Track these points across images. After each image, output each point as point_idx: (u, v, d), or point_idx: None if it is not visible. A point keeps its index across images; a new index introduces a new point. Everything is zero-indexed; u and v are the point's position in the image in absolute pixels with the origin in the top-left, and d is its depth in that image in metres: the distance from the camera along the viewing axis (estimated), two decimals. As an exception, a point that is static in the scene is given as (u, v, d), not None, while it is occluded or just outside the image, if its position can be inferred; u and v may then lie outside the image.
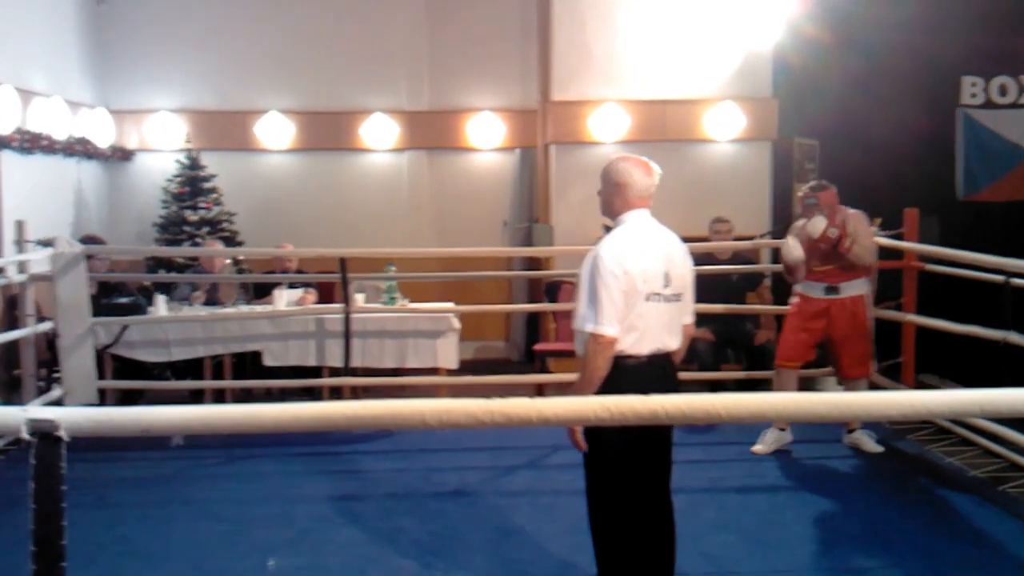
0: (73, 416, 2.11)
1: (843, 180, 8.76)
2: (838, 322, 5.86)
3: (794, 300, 6.03)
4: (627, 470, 3.48)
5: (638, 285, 3.39)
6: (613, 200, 3.61)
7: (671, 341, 3.56)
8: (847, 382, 6.03)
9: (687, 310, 3.68)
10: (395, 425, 2.25)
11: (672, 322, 3.55)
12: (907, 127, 8.48)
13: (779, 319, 7.61)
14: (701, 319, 7.13)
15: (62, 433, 2.07)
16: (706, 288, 7.04)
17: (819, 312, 5.90)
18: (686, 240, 7.81)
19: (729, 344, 7.35)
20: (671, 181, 8.53)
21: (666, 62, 8.53)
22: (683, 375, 6.68)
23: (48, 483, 2.06)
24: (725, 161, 8.66)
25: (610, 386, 3.27)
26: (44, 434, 2.06)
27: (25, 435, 2.06)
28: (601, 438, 3.45)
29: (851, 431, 6.06)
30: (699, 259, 7.14)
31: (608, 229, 3.60)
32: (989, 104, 9.20)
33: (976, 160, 9.24)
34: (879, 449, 5.92)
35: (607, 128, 8.54)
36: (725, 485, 5.43)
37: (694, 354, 7.06)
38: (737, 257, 7.27)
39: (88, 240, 7.34)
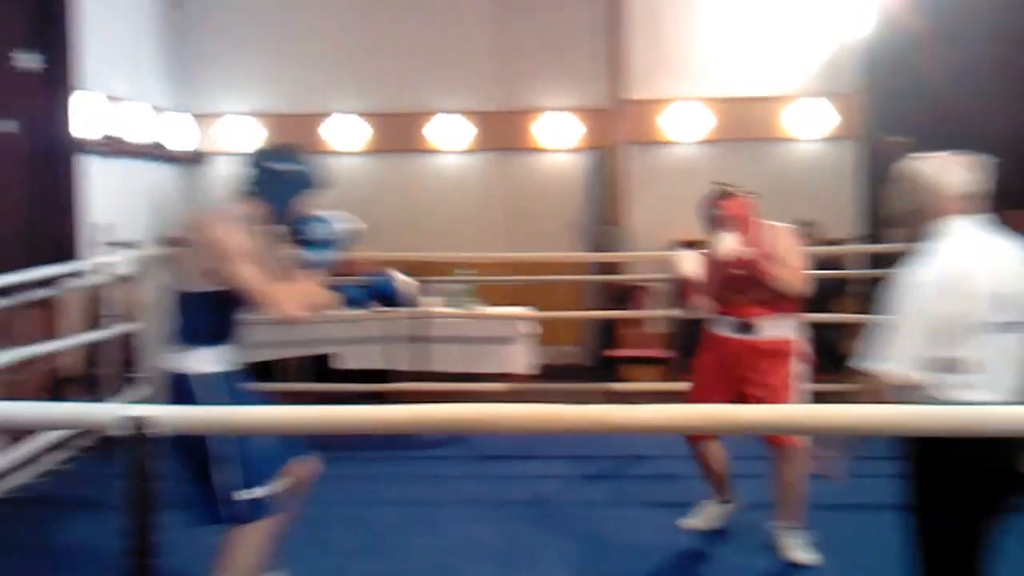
0: (166, 414, 2.14)
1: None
2: (754, 373, 4.31)
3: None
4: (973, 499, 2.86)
5: (963, 311, 2.76)
6: (925, 208, 2.96)
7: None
8: (775, 457, 4.37)
9: None
10: (487, 430, 2.21)
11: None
12: (1013, 123, 7.88)
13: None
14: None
15: (155, 431, 2.09)
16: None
17: (730, 357, 4.40)
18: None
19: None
20: (753, 182, 8.38)
21: (747, 57, 8.35)
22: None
23: (141, 480, 2.09)
24: (809, 161, 8.41)
25: (959, 446, 2.59)
26: (138, 431, 2.09)
27: (118, 431, 2.09)
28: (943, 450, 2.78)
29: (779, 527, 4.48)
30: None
31: (921, 241, 2.94)
32: (1109, 96, 8.61)
33: (1096, 159, 8.70)
34: (810, 559, 4.37)
35: (684, 127, 8.39)
36: (822, 502, 5.06)
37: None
38: (820, 262, 7.02)
39: (174, 242, 7.43)
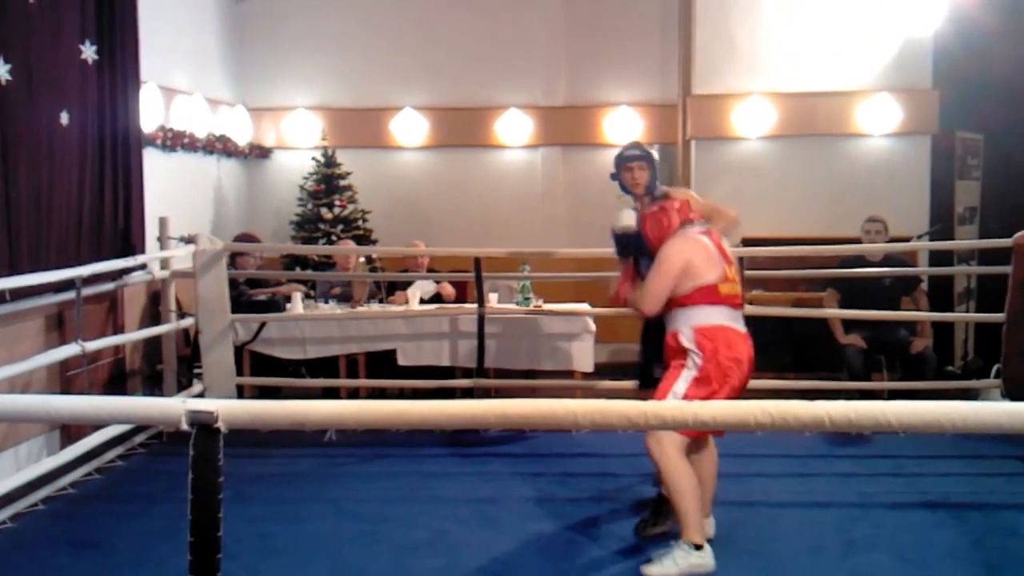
0: (231, 408, 2.14)
1: (1011, 178, 8.25)
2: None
3: None
4: None
5: None
6: None
7: None
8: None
9: None
10: (547, 425, 2.20)
11: None
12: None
13: (936, 326, 7.13)
14: (851, 325, 6.78)
15: (220, 425, 2.10)
16: (856, 293, 6.75)
17: None
18: (834, 242, 7.23)
19: (881, 352, 6.90)
20: (820, 178, 8.27)
21: (816, 52, 8.16)
22: (832, 385, 6.41)
23: (205, 474, 2.10)
24: (879, 157, 8.21)
25: None
26: (203, 425, 2.09)
27: (185, 426, 2.10)
28: None
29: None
30: (849, 262, 6.82)
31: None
32: None
33: None
34: None
35: (751, 123, 8.23)
36: (878, 500, 5.08)
37: (844, 362, 6.68)
38: (890, 259, 6.81)
39: (242, 238, 7.44)
